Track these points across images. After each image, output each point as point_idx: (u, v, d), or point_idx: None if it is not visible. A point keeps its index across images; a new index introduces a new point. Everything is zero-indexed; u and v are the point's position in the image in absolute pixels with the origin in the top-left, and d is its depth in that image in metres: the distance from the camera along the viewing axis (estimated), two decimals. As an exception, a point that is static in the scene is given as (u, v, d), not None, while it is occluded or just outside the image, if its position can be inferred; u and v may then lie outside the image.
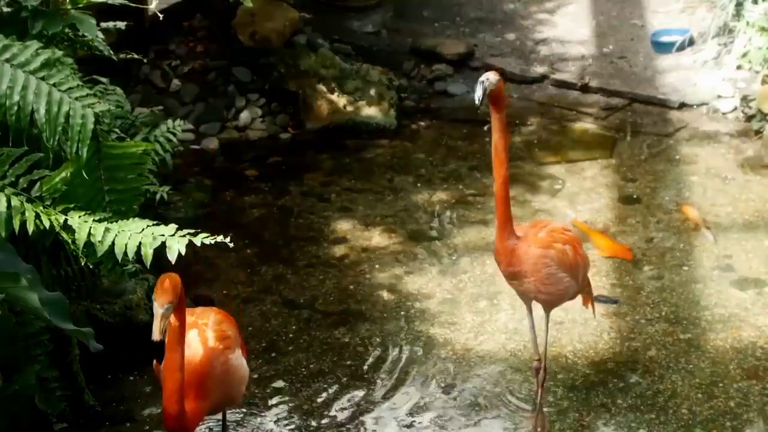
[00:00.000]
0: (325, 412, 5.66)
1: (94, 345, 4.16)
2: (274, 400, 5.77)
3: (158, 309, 4.19)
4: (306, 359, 6.09)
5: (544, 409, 5.63)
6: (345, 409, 5.69)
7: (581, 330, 6.20)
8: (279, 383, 5.90)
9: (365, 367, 6.01)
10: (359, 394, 5.80)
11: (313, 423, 5.58)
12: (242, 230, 7.16)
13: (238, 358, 4.88)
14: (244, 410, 5.67)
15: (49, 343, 5.05)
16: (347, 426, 5.56)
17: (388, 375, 5.95)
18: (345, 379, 5.92)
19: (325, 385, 5.87)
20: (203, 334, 4.77)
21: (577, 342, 6.15)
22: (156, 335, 4.14)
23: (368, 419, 5.61)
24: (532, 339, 5.56)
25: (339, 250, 7.15)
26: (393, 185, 8.05)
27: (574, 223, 7.23)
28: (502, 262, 5.30)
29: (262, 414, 5.67)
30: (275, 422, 5.61)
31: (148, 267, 4.79)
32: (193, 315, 4.85)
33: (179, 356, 4.47)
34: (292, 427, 5.57)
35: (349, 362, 6.06)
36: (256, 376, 5.91)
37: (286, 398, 5.78)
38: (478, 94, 4.97)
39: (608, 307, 6.40)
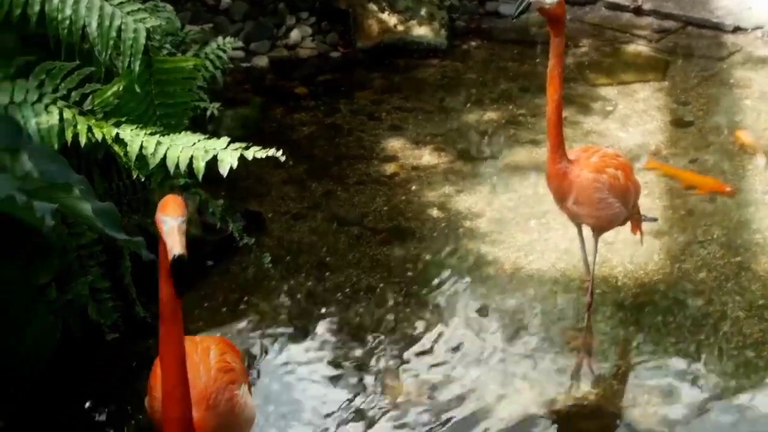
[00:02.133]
0: (373, 329, 5.67)
1: (146, 254, 4.17)
2: (322, 317, 5.79)
3: (172, 222, 3.44)
4: (355, 275, 6.10)
5: (593, 329, 5.62)
6: (393, 326, 5.71)
7: (632, 251, 6.16)
8: (328, 299, 5.92)
9: (414, 285, 6.02)
10: (407, 311, 5.81)
11: (361, 339, 5.60)
12: (292, 147, 7.15)
13: (245, 396, 4.19)
14: (292, 327, 5.70)
15: (101, 255, 5.09)
16: (395, 343, 5.57)
17: (436, 292, 5.96)
18: (393, 296, 5.93)
19: (373, 302, 5.88)
20: (205, 363, 4.07)
21: (628, 263, 6.11)
22: (180, 248, 3.38)
23: (416, 334, 5.62)
24: (583, 259, 5.55)
25: (389, 168, 7.13)
26: (443, 105, 8.00)
27: (651, 165, 7.10)
28: (552, 185, 5.28)
29: (310, 330, 5.69)
30: (323, 339, 5.63)
31: (200, 180, 4.81)
32: (191, 342, 4.12)
33: (178, 334, 3.71)
34: (341, 343, 5.59)
35: (397, 279, 6.07)
36: (304, 292, 5.95)
37: (335, 314, 5.80)
38: (523, 4, 4.93)
39: (659, 229, 6.35)
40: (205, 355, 4.09)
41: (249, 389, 4.33)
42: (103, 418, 5.06)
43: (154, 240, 4.43)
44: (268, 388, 5.27)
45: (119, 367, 5.29)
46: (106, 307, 5.16)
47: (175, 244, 3.37)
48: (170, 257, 3.36)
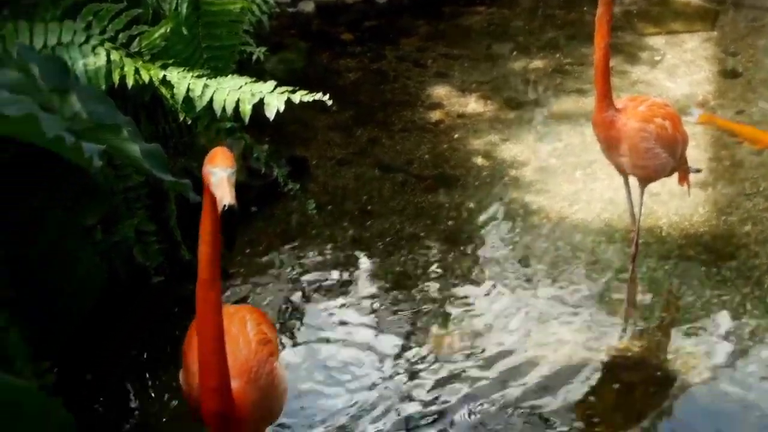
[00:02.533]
0: (417, 276, 5.67)
1: (193, 196, 4.16)
2: (365, 263, 5.80)
3: (222, 173, 3.29)
4: (399, 223, 6.09)
5: (637, 281, 5.59)
6: (436, 275, 5.70)
7: (678, 202, 6.11)
8: (371, 246, 5.92)
9: (458, 233, 6.01)
10: (450, 258, 5.80)
11: (404, 288, 5.60)
12: (337, 93, 7.07)
13: (282, 368, 4.03)
14: (335, 274, 5.71)
15: (147, 198, 5.11)
16: (438, 292, 5.57)
17: (480, 241, 5.95)
18: (437, 243, 5.92)
19: (417, 249, 5.88)
20: (244, 335, 3.89)
21: (673, 214, 6.07)
22: (230, 198, 3.23)
23: (459, 284, 5.62)
24: (628, 210, 5.52)
25: (434, 116, 7.11)
26: (489, 52, 7.96)
27: (705, 119, 7.03)
28: (599, 135, 5.24)
29: (353, 277, 5.70)
30: (365, 286, 5.64)
31: (246, 123, 4.80)
32: (226, 312, 3.84)
33: (216, 298, 3.54)
34: (383, 291, 5.59)
35: (442, 227, 6.06)
36: (348, 239, 5.95)
37: (378, 262, 5.80)
38: None
39: (705, 181, 6.30)
40: (242, 326, 3.90)
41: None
42: (144, 360, 5.09)
43: (200, 183, 4.43)
44: (309, 337, 5.28)
45: (163, 310, 5.32)
46: (151, 249, 5.18)
47: (225, 194, 3.24)
48: (220, 208, 3.22)
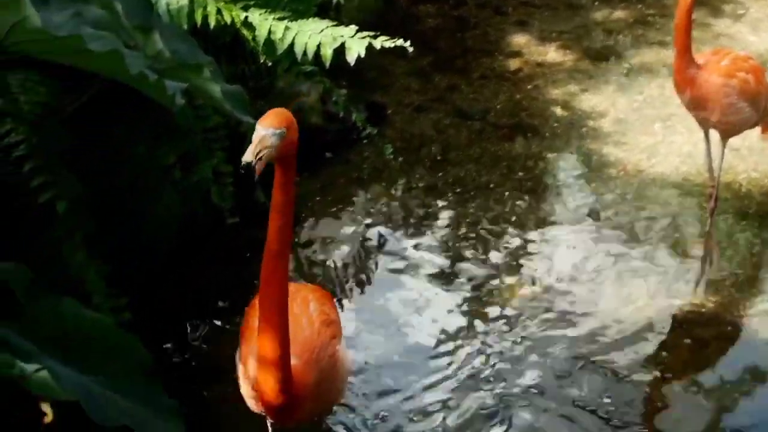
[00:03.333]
0: (492, 223, 5.66)
1: (272, 140, 4.17)
2: (441, 210, 5.80)
3: (262, 131, 3.14)
4: (475, 171, 6.08)
5: (715, 235, 5.54)
6: (510, 224, 5.68)
7: (757, 158, 6.04)
8: (446, 193, 5.92)
9: (533, 183, 5.98)
10: (524, 206, 5.78)
11: (478, 236, 5.59)
12: (417, 39, 7.00)
13: (345, 350, 3.86)
14: (409, 220, 5.72)
15: (226, 139, 5.12)
16: (511, 241, 5.55)
17: (556, 190, 5.92)
18: (513, 192, 5.90)
19: (492, 198, 5.86)
20: (307, 315, 3.72)
21: (753, 170, 6.00)
22: (249, 155, 3.07)
23: (533, 234, 5.60)
24: (707, 165, 5.47)
25: (513, 64, 7.07)
26: (570, 1, 7.90)
27: None
28: (680, 89, 5.19)
29: (427, 224, 5.70)
30: (439, 233, 5.63)
31: (327, 67, 4.80)
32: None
33: (284, 269, 3.32)
34: (457, 237, 5.59)
35: (519, 175, 6.04)
36: (423, 185, 5.95)
37: (453, 209, 5.80)
38: None
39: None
40: (305, 306, 3.74)
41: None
42: (214, 303, 5.13)
43: (279, 126, 4.38)
44: (382, 282, 5.30)
45: (237, 252, 5.36)
46: (227, 191, 5.20)
47: (248, 150, 3.06)
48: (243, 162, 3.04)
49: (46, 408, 4.01)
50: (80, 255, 4.11)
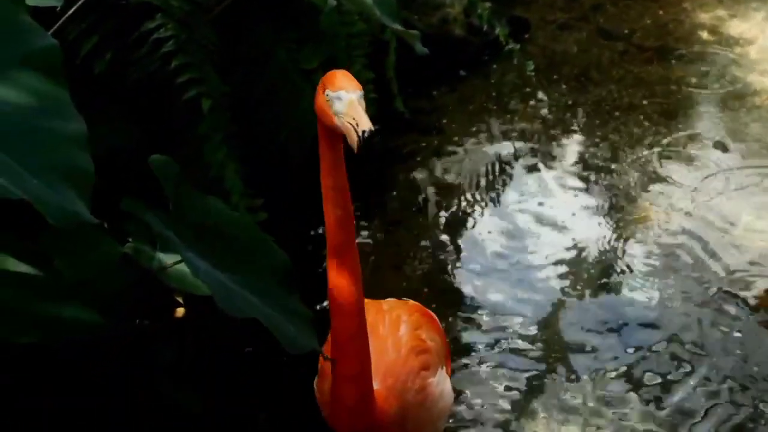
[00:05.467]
0: (630, 147, 5.58)
1: (420, 48, 4.16)
2: (578, 130, 5.75)
3: (350, 95, 2.64)
4: (617, 92, 6.00)
5: None
6: (647, 148, 5.60)
7: None
8: (586, 112, 5.86)
9: (675, 107, 5.88)
10: (665, 132, 5.70)
11: (614, 157, 5.53)
12: (563, -44, 7.04)
13: (441, 383, 3.31)
14: (546, 136, 5.68)
15: (368, 46, 5.13)
16: (649, 164, 5.47)
17: (697, 118, 5.81)
18: (654, 116, 5.81)
19: (633, 120, 5.79)
20: (394, 337, 3.24)
21: None
22: (368, 122, 2.55)
23: (671, 160, 5.51)
24: None
25: (661, -15, 6.95)
26: None
27: None
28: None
29: (564, 142, 5.67)
30: (576, 151, 5.60)
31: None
32: (377, 308, 3.36)
33: (352, 266, 2.88)
34: (594, 157, 5.54)
35: (659, 99, 5.94)
36: (563, 103, 5.90)
37: (591, 129, 5.74)
38: None
39: None
40: (394, 328, 3.24)
41: (448, 368, 3.50)
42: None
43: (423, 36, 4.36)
44: (507, 199, 5.30)
45: (375, 159, 5.38)
46: (368, 98, 5.22)
47: (361, 118, 2.56)
48: (354, 138, 2.56)
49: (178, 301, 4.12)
50: (220, 154, 4.17)
